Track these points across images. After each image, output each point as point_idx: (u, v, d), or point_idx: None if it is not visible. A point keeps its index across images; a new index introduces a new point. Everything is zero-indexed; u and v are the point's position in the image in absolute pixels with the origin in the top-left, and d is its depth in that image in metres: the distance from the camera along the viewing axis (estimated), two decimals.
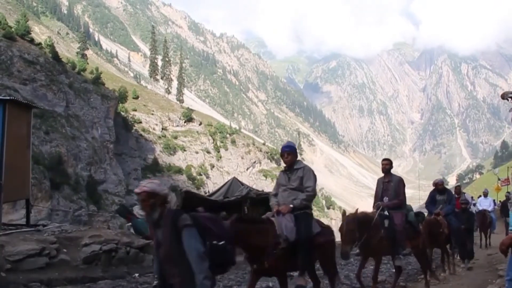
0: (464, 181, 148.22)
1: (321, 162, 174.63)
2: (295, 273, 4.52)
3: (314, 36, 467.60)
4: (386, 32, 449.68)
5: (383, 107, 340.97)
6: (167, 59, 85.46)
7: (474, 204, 13.45)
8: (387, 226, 5.47)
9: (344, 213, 5.22)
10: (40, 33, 75.58)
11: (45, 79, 41.36)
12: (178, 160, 62.67)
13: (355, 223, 4.98)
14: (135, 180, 48.91)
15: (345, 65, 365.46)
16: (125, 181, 47.67)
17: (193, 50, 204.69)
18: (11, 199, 13.02)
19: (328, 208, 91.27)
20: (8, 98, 10.25)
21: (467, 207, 9.19)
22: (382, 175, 6.13)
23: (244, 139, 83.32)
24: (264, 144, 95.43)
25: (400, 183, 5.91)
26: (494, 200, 15.94)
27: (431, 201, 7.77)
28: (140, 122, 62.27)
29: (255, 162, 78.17)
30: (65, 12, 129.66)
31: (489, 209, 12.82)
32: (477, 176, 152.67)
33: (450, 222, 7.37)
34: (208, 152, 69.42)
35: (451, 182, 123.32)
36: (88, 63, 66.02)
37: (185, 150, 64.76)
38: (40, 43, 48.79)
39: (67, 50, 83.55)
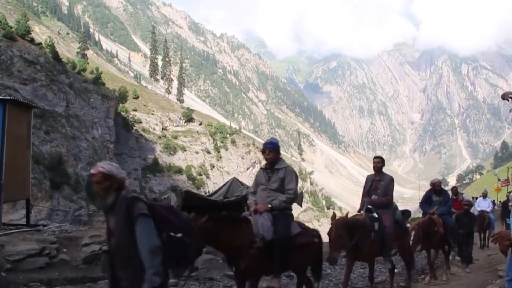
0: (464, 182, 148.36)
1: (321, 162, 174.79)
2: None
3: (314, 36, 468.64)
4: (386, 32, 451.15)
5: (383, 108, 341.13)
6: (167, 59, 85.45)
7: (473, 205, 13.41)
8: (377, 229, 5.32)
9: (334, 216, 5.01)
10: (40, 33, 75.68)
11: (45, 79, 41.36)
12: (178, 160, 62.67)
13: (344, 228, 4.80)
14: (135, 180, 48.97)
15: (345, 65, 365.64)
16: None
17: (193, 50, 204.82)
18: (11, 199, 13.04)
19: (328, 208, 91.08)
20: (8, 98, 10.26)
21: (469, 209, 8.83)
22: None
23: (244, 139, 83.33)
24: None
25: (391, 183, 5.83)
26: (493, 201, 15.91)
27: (426, 201, 7.58)
28: (140, 122, 62.29)
29: (255, 162, 78.09)
30: (65, 12, 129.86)
31: (488, 210, 12.80)
32: (477, 176, 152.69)
33: (446, 221, 7.23)
34: (208, 152, 69.42)
35: (451, 183, 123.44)
36: (88, 63, 66.07)
37: (185, 150, 64.75)
38: (40, 43, 48.80)
39: (67, 50, 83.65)
